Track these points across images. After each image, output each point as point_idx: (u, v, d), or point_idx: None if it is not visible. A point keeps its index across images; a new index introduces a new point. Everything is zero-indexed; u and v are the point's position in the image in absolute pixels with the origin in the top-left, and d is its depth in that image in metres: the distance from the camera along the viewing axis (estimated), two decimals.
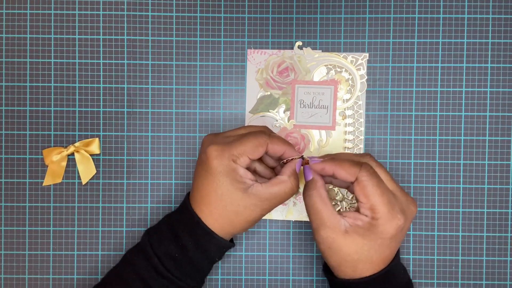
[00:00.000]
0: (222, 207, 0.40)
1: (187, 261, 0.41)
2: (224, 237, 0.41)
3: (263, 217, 0.49)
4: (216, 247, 0.41)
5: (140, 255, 0.41)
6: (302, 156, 0.43)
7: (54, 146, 0.50)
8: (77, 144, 0.49)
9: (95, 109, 0.50)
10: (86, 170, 0.49)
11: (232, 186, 0.39)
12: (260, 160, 0.45)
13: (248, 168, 0.42)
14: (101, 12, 0.50)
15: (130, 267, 0.41)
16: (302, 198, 0.49)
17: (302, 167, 0.43)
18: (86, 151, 0.49)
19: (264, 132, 0.42)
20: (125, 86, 0.50)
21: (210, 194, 0.40)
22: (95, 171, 0.49)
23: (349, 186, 0.44)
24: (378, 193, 0.38)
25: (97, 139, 0.49)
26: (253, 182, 0.40)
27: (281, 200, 0.41)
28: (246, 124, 0.49)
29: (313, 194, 0.40)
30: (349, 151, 0.49)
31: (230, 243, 0.42)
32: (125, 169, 0.50)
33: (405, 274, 0.43)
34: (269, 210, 0.41)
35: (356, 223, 0.39)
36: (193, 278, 0.42)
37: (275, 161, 0.45)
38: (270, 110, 0.49)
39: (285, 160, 0.43)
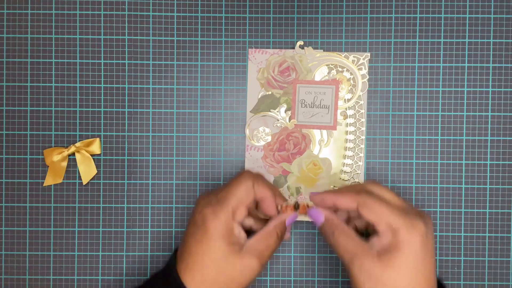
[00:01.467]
0: (216, 273, 0.38)
1: None
2: None
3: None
4: None
5: None
6: (296, 203, 0.43)
7: (55, 146, 0.50)
8: (78, 144, 0.49)
9: (96, 109, 0.50)
10: (87, 170, 0.49)
11: (228, 248, 0.38)
12: (254, 217, 0.44)
13: (243, 226, 0.42)
14: (102, 12, 0.50)
15: None
16: (303, 198, 0.49)
17: (306, 208, 0.43)
18: (87, 151, 0.49)
19: (247, 172, 0.42)
20: (126, 86, 0.50)
21: (204, 259, 0.38)
22: (96, 171, 0.49)
23: (357, 221, 0.43)
24: (386, 207, 0.37)
25: (98, 139, 0.49)
26: (245, 240, 0.40)
27: (272, 251, 0.40)
28: (246, 123, 0.49)
29: (335, 234, 0.39)
30: (350, 152, 0.49)
31: None
32: (126, 169, 0.50)
33: None
34: (263, 265, 0.40)
35: (383, 244, 0.37)
36: None
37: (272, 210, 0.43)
38: (271, 110, 0.49)
39: (279, 207, 0.43)
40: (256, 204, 0.43)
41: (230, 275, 0.38)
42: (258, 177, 0.41)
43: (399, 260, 0.36)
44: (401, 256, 0.36)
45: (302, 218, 0.49)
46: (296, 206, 0.43)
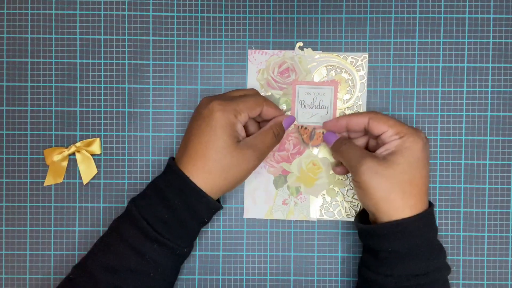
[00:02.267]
0: (217, 160, 0.41)
1: (177, 222, 0.41)
2: (213, 196, 0.42)
3: (263, 217, 0.49)
4: (205, 206, 0.41)
5: (127, 222, 0.41)
6: (313, 130, 0.49)
7: (55, 146, 0.50)
8: (78, 144, 0.49)
9: (96, 109, 0.50)
10: (87, 170, 0.49)
11: (229, 139, 0.41)
12: (252, 124, 0.47)
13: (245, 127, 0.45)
14: (102, 12, 0.50)
15: (117, 236, 0.41)
16: (303, 198, 0.49)
17: (322, 136, 0.49)
18: (87, 151, 0.49)
19: (261, 96, 0.46)
20: (126, 86, 0.50)
21: (207, 147, 0.41)
22: (96, 171, 0.49)
23: (364, 142, 0.47)
24: (393, 119, 0.43)
25: (98, 139, 0.49)
26: (243, 137, 0.43)
27: (268, 147, 0.44)
28: None
29: (346, 144, 0.44)
30: None
31: (218, 204, 0.42)
32: (126, 169, 0.50)
33: (437, 235, 0.43)
34: (260, 160, 0.43)
35: (389, 149, 0.42)
36: (183, 239, 0.42)
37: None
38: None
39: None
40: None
41: (228, 165, 0.41)
42: (268, 101, 0.45)
43: (403, 159, 0.41)
44: (405, 156, 0.41)
45: (301, 217, 0.49)
46: (313, 134, 0.49)
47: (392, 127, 0.42)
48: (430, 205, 0.43)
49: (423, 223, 0.41)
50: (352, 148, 0.44)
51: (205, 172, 0.41)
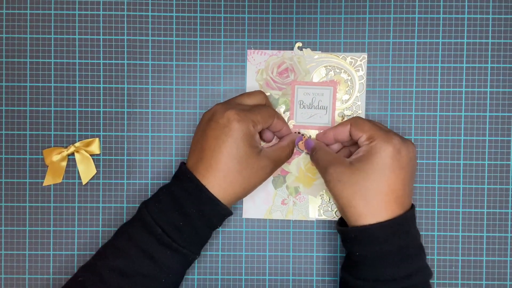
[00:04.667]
0: (239, 171, 0.41)
1: (191, 229, 0.41)
2: (229, 204, 0.42)
3: (262, 217, 0.49)
4: (219, 214, 0.42)
5: (140, 227, 0.41)
6: (299, 132, 0.49)
7: (54, 146, 0.50)
8: (77, 144, 0.49)
9: (95, 109, 0.50)
10: (86, 170, 0.49)
11: (250, 149, 0.41)
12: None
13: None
14: (101, 12, 0.50)
15: (129, 240, 0.41)
16: (302, 198, 0.49)
17: (303, 141, 0.49)
18: (86, 151, 0.49)
19: (272, 107, 0.47)
20: (125, 86, 0.50)
21: (228, 157, 0.41)
22: (95, 171, 0.49)
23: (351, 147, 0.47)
24: (371, 124, 0.42)
25: (97, 139, 0.49)
26: (262, 147, 0.44)
27: (281, 162, 0.45)
28: None
29: (319, 151, 0.45)
30: None
31: (231, 211, 0.43)
32: (125, 169, 0.50)
33: (418, 237, 0.42)
34: (273, 172, 0.44)
35: (358, 154, 0.42)
36: (196, 246, 0.43)
37: (271, 138, 0.49)
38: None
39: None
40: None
41: (249, 175, 0.42)
42: (279, 114, 0.46)
43: (368, 165, 0.40)
44: (370, 162, 0.40)
45: (300, 217, 0.49)
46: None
47: (366, 132, 0.42)
48: (412, 207, 0.42)
49: (391, 230, 0.40)
50: (323, 155, 0.44)
51: (225, 183, 0.41)
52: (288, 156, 0.46)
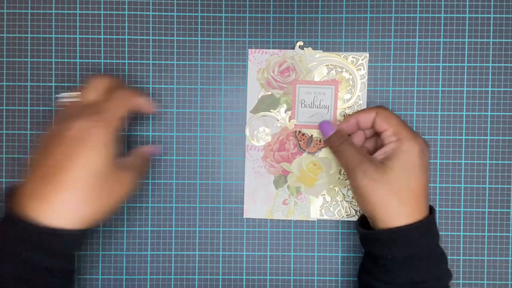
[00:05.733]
0: (94, 186, 0.36)
1: (42, 271, 0.35)
2: (81, 224, 0.36)
3: (263, 217, 0.49)
4: (68, 243, 0.36)
5: None
6: (299, 132, 0.48)
7: None
8: None
9: None
10: None
11: (109, 160, 0.36)
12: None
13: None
14: (102, 12, 0.50)
15: None
16: (303, 198, 0.49)
17: (319, 143, 0.49)
18: None
19: (123, 86, 0.42)
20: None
21: (81, 173, 0.35)
22: None
23: (368, 143, 0.46)
24: (398, 119, 0.42)
25: None
26: (121, 156, 0.40)
27: (145, 170, 0.44)
28: (246, 123, 0.49)
29: (344, 143, 0.43)
30: None
31: (83, 234, 0.37)
32: None
33: (438, 241, 0.42)
34: (139, 179, 0.41)
35: (386, 152, 0.41)
36: (58, 283, 0.37)
37: None
38: (271, 110, 0.49)
39: None
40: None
41: (107, 189, 0.36)
42: (135, 91, 0.42)
43: (399, 164, 0.40)
44: (401, 161, 0.40)
45: (301, 217, 0.49)
46: (310, 141, 0.49)
47: (392, 126, 0.41)
48: (432, 211, 0.42)
49: (422, 231, 0.40)
50: (350, 149, 0.42)
51: (72, 204, 0.35)
52: (148, 161, 0.43)
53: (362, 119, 0.43)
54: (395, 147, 0.41)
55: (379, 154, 0.42)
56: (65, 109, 0.39)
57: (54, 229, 0.35)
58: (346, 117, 0.45)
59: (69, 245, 0.36)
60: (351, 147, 0.43)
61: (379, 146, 0.45)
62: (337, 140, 0.44)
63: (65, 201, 0.35)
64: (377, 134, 0.45)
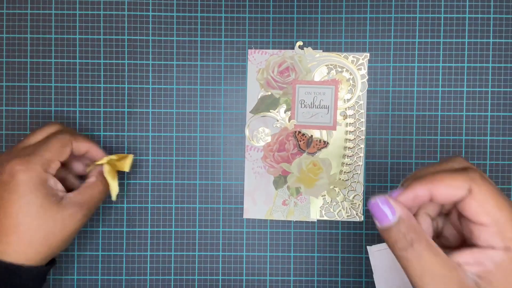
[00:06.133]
0: (33, 229, 0.35)
1: None
2: (39, 262, 0.36)
3: (263, 218, 0.49)
4: (29, 279, 0.36)
5: None
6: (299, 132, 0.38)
7: None
8: (113, 156, 0.44)
9: (96, 109, 0.50)
10: (113, 185, 0.43)
11: (45, 201, 0.35)
12: (69, 170, 0.43)
13: (57, 178, 0.39)
14: (101, 12, 0.50)
15: None
16: (303, 198, 0.49)
17: (319, 143, 0.43)
18: (117, 165, 0.44)
19: (66, 131, 0.39)
20: (126, 86, 0.50)
21: (18, 218, 0.34)
22: (117, 190, 0.44)
23: (448, 214, 0.31)
24: (507, 208, 0.25)
25: (131, 156, 0.46)
26: (64, 193, 0.38)
27: (97, 202, 0.40)
28: (246, 124, 0.49)
29: (416, 247, 0.26)
30: (349, 151, 0.49)
31: (46, 267, 0.37)
32: None
33: None
34: (89, 215, 0.39)
35: (485, 265, 0.25)
36: None
37: (84, 168, 0.43)
38: (271, 110, 0.49)
39: (96, 163, 0.42)
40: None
41: (50, 229, 0.35)
42: (77, 136, 0.40)
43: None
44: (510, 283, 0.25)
45: (301, 218, 0.49)
46: (310, 141, 0.45)
47: (500, 223, 0.25)
48: None
49: None
50: (429, 260, 0.26)
51: (23, 246, 0.35)
52: (102, 192, 0.39)
53: (441, 196, 0.26)
54: (502, 262, 0.25)
55: (470, 265, 0.26)
56: (7, 151, 0.39)
57: (13, 264, 0.34)
58: (413, 184, 0.27)
59: (28, 280, 0.36)
60: (431, 256, 0.26)
61: (454, 222, 0.30)
62: (403, 238, 0.26)
63: (15, 243, 0.35)
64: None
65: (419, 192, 0.26)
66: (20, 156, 0.36)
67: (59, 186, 0.38)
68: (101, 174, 0.40)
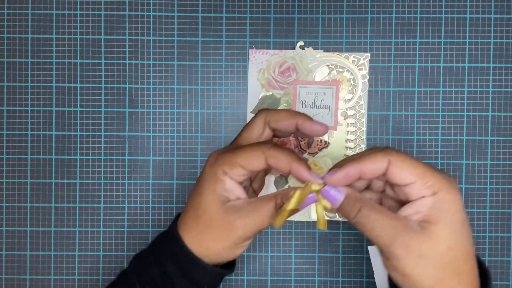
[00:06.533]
0: (206, 222, 0.35)
1: None
2: (215, 261, 0.36)
3: None
4: (202, 274, 0.36)
5: (124, 283, 0.37)
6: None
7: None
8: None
9: (97, 109, 0.50)
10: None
11: (213, 196, 0.35)
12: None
13: (245, 186, 0.38)
14: (102, 12, 0.50)
15: None
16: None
17: (319, 144, 0.42)
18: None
19: (265, 143, 0.35)
20: (127, 86, 0.50)
21: (198, 207, 0.35)
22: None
23: (381, 189, 0.37)
24: (421, 165, 0.32)
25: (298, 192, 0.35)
26: (238, 198, 0.36)
27: (262, 220, 0.34)
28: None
29: (364, 212, 0.32)
30: (351, 151, 0.49)
31: (221, 270, 0.37)
32: (126, 169, 0.50)
33: None
34: (249, 233, 0.35)
35: (422, 211, 0.31)
36: None
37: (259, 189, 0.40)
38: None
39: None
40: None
41: (218, 228, 0.35)
42: (275, 150, 0.34)
43: (446, 228, 0.31)
44: (447, 223, 0.31)
45: (302, 218, 0.49)
46: (311, 142, 0.43)
47: (421, 177, 0.31)
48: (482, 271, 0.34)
49: None
50: (376, 217, 0.32)
51: (198, 234, 0.35)
52: (270, 214, 0.34)
53: (368, 171, 0.32)
54: (433, 204, 0.31)
55: (412, 214, 0.32)
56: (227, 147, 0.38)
57: (191, 252, 0.35)
58: (344, 165, 0.33)
59: (199, 275, 0.36)
60: (376, 213, 0.32)
61: (391, 194, 0.36)
62: (353, 208, 0.33)
63: (190, 233, 0.36)
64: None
65: (349, 170, 0.32)
66: (222, 150, 0.36)
67: (237, 192, 0.36)
68: (286, 195, 0.35)
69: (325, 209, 0.34)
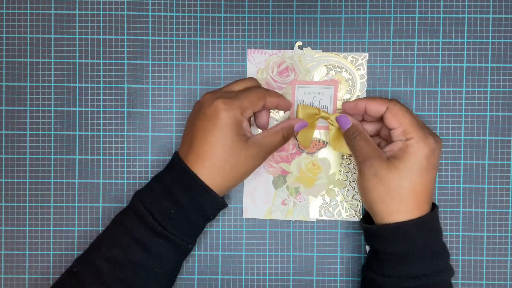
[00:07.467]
0: (224, 160, 0.41)
1: (183, 218, 0.41)
2: (219, 194, 0.42)
3: (262, 217, 0.49)
4: (211, 204, 0.42)
5: (133, 217, 0.41)
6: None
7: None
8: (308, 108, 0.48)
9: (95, 109, 0.50)
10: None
11: (236, 137, 0.41)
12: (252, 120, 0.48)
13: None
14: (101, 12, 0.50)
15: (123, 230, 0.41)
16: (302, 198, 0.49)
17: (318, 143, 0.49)
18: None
19: (261, 86, 0.45)
20: (125, 86, 0.50)
21: (215, 147, 0.40)
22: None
23: (378, 129, 0.47)
24: (408, 117, 0.42)
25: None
26: (251, 135, 0.43)
27: (273, 150, 0.44)
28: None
29: (357, 137, 0.44)
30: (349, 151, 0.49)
31: (224, 201, 0.43)
32: (125, 169, 0.50)
33: (441, 235, 0.43)
34: (265, 158, 0.44)
35: (393, 150, 0.42)
36: (189, 235, 0.43)
37: (266, 123, 0.47)
38: (270, 110, 0.49)
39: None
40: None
41: (236, 163, 0.41)
42: (269, 91, 0.44)
43: (404, 164, 0.40)
44: (407, 161, 0.40)
45: (300, 217, 0.49)
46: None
47: (402, 125, 0.42)
48: (434, 207, 0.43)
49: (422, 227, 0.41)
50: (362, 143, 0.43)
51: (214, 172, 0.41)
52: (280, 142, 0.44)
53: (371, 109, 0.43)
54: (403, 147, 0.41)
55: (387, 150, 0.43)
56: (213, 91, 0.44)
57: (204, 183, 0.41)
58: (356, 99, 0.45)
59: (209, 204, 0.42)
60: (364, 141, 0.43)
61: (384, 135, 0.46)
62: (353, 133, 0.44)
63: (202, 168, 0.41)
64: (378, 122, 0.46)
65: (358, 103, 0.44)
66: (224, 97, 0.41)
67: (248, 129, 0.43)
68: (288, 128, 0.45)
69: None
